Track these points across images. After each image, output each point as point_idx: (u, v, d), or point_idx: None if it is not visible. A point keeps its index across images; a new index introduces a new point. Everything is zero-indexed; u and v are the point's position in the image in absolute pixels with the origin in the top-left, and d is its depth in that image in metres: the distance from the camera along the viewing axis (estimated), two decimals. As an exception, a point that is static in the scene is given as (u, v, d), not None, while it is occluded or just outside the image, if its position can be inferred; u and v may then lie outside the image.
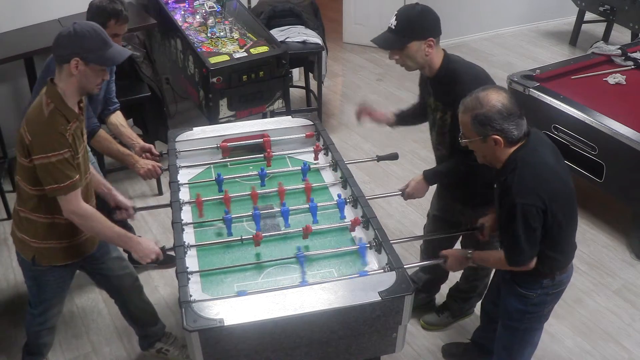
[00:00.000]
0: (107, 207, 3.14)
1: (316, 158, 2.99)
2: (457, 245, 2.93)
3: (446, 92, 2.52)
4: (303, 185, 2.72)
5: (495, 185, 2.27)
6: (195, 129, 3.12)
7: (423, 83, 2.73)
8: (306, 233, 2.41)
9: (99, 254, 2.59)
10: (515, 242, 2.14)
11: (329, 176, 2.89)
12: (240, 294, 2.13)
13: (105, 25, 2.77)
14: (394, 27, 2.42)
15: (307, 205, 2.60)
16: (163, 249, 2.43)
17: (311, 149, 3.04)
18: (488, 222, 2.58)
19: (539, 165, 2.13)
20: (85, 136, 2.35)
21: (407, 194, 2.76)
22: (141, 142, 3.09)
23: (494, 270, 2.82)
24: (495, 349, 2.58)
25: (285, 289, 2.12)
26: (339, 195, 2.66)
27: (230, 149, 3.04)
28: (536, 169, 2.11)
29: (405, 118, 2.96)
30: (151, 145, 3.10)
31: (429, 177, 2.72)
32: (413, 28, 2.41)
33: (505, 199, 2.11)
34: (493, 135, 2.09)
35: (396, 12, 2.45)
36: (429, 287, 3.24)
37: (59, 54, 2.17)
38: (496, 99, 2.08)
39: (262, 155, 2.99)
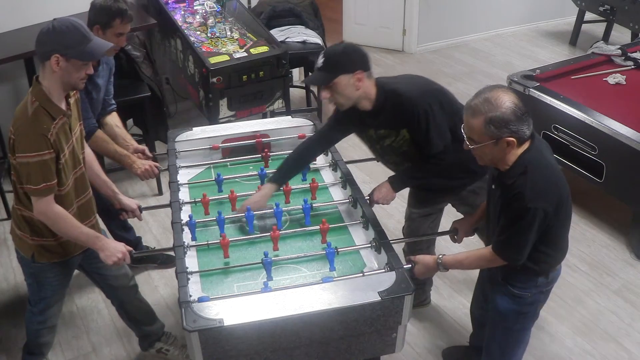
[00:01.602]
0: (105, 202, 3.14)
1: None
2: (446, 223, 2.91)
3: (394, 115, 2.51)
4: (307, 185, 2.72)
5: (493, 186, 2.25)
6: (195, 129, 3.12)
7: (350, 120, 2.64)
8: (324, 232, 2.43)
9: (97, 253, 2.59)
10: (518, 242, 2.13)
11: (329, 176, 2.89)
12: (265, 289, 2.15)
13: (110, 24, 2.77)
14: (321, 65, 2.45)
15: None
16: (131, 253, 2.42)
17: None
18: (462, 227, 2.61)
19: (548, 169, 2.11)
20: (74, 132, 2.34)
21: (373, 202, 2.70)
22: (135, 144, 3.08)
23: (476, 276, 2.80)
24: (487, 350, 2.57)
25: (285, 289, 2.12)
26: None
27: (230, 150, 3.04)
28: (546, 172, 2.10)
29: (286, 176, 2.72)
30: (144, 147, 3.09)
31: (397, 184, 2.68)
32: (338, 63, 2.43)
33: (517, 203, 2.07)
34: (507, 137, 2.03)
35: (322, 52, 2.50)
36: (422, 280, 3.23)
37: (40, 52, 2.16)
38: (508, 99, 2.02)
39: (261, 155, 2.99)
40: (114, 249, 2.36)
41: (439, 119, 2.46)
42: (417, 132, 2.50)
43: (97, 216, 2.66)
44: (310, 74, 5.02)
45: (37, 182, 2.18)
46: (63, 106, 2.25)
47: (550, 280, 2.32)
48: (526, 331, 2.48)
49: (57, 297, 2.63)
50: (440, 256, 2.35)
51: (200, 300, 2.09)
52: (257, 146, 3.03)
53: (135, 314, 2.88)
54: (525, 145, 2.11)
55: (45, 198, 2.21)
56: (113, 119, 3.13)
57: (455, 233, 2.64)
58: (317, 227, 2.47)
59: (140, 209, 2.76)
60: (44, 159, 2.16)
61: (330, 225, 2.44)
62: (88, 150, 2.61)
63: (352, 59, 2.44)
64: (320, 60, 2.45)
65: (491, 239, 2.33)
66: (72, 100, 2.33)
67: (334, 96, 2.46)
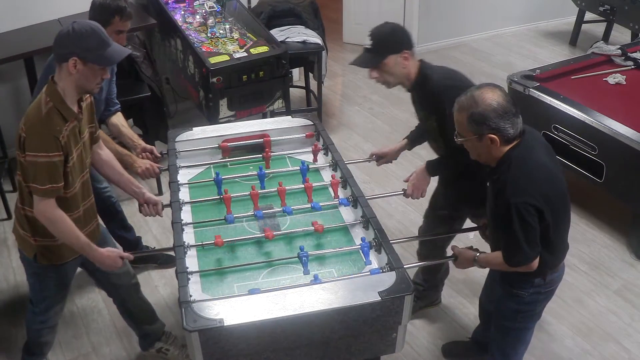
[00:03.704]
0: (105, 202, 3.14)
1: (315, 159, 2.98)
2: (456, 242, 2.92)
3: (425, 98, 2.59)
4: (303, 185, 2.72)
5: (487, 184, 2.26)
6: (195, 129, 3.12)
7: (412, 98, 2.75)
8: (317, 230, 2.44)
9: None
10: (514, 243, 2.13)
11: (328, 176, 2.88)
12: (252, 292, 2.14)
13: (109, 22, 2.77)
14: (370, 47, 2.53)
15: (307, 205, 2.61)
16: (124, 256, 2.46)
17: (310, 149, 3.04)
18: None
19: (533, 164, 2.12)
20: (83, 136, 2.34)
21: (408, 191, 2.76)
22: (142, 143, 3.09)
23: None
24: (490, 349, 2.58)
25: (285, 289, 2.13)
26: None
27: (231, 149, 3.03)
28: (530, 168, 2.10)
29: (417, 139, 2.99)
30: (153, 147, 3.10)
31: (431, 167, 2.73)
32: (387, 44, 2.51)
33: (500, 199, 2.10)
34: (489, 134, 2.08)
35: (369, 33, 2.55)
36: (436, 282, 3.25)
37: (58, 53, 2.17)
38: (491, 98, 2.07)
39: (262, 155, 2.99)
40: (104, 257, 2.39)
41: None
42: (441, 123, 2.55)
43: (99, 217, 2.66)
44: (310, 74, 5.04)
45: (43, 182, 2.17)
46: (75, 109, 2.26)
47: (548, 281, 2.31)
48: (527, 331, 2.48)
49: (59, 297, 2.63)
50: (479, 254, 2.37)
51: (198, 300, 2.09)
52: (265, 145, 3.04)
53: (137, 312, 2.88)
54: (514, 143, 2.13)
55: (48, 199, 2.21)
56: (119, 119, 3.13)
57: (485, 229, 2.61)
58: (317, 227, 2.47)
59: (163, 206, 2.76)
60: (52, 160, 2.16)
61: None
62: (106, 150, 2.62)
63: (398, 38, 2.53)
64: (368, 42, 2.52)
65: (490, 237, 2.38)
66: (84, 104, 2.33)
67: (382, 76, 2.56)
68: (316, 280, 2.20)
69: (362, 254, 2.34)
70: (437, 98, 2.50)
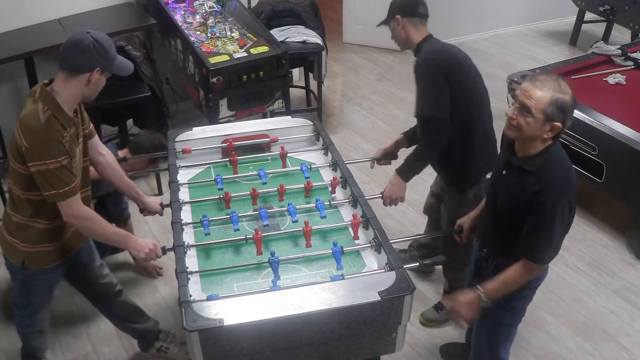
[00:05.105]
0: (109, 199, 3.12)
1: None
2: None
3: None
4: (303, 185, 2.72)
5: (504, 171, 2.21)
6: (195, 129, 3.12)
7: None
8: (307, 233, 2.42)
9: (86, 261, 2.61)
10: (548, 239, 2.11)
11: (328, 176, 2.88)
12: (273, 288, 2.15)
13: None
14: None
15: (309, 205, 2.61)
16: (163, 248, 2.45)
17: (313, 147, 3.04)
18: (466, 224, 2.60)
19: (568, 163, 2.15)
20: (79, 139, 2.34)
21: (385, 198, 2.81)
22: None
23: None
24: (475, 346, 2.57)
25: (285, 289, 2.13)
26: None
27: (232, 149, 3.03)
28: (569, 166, 2.14)
29: (414, 137, 2.97)
30: None
31: (402, 171, 2.77)
32: (391, 8, 2.74)
33: (543, 196, 2.06)
34: (558, 123, 2.03)
35: None
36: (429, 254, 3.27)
37: (80, 63, 2.17)
38: (572, 94, 2.05)
39: (268, 156, 2.99)
40: (143, 245, 2.41)
41: (435, 86, 2.57)
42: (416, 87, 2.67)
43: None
44: (310, 74, 5.06)
45: (59, 185, 2.17)
46: (72, 115, 2.26)
47: (540, 276, 2.33)
48: (513, 327, 2.49)
49: (44, 303, 2.63)
50: (481, 289, 2.23)
51: (210, 298, 2.10)
52: (265, 146, 3.06)
53: (124, 314, 2.86)
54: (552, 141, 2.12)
55: (71, 200, 2.22)
56: None
57: (461, 231, 2.63)
58: (316, 227, 2.47)
59: (163, 206, 2.77)
60: (62, 164, 2.16)
61: (360, 220, 2.48)
62: (106, 150, 2.63)
63: (399, 4, 2.70)
64: None
65: (488, 226, 2.36)
66: (76, 109, 2.33)
67: (392, 36, 2.78)
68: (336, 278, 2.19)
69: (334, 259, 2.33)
70: (418, 65, 2.64)
